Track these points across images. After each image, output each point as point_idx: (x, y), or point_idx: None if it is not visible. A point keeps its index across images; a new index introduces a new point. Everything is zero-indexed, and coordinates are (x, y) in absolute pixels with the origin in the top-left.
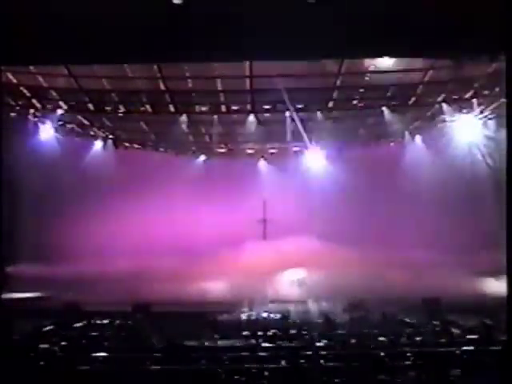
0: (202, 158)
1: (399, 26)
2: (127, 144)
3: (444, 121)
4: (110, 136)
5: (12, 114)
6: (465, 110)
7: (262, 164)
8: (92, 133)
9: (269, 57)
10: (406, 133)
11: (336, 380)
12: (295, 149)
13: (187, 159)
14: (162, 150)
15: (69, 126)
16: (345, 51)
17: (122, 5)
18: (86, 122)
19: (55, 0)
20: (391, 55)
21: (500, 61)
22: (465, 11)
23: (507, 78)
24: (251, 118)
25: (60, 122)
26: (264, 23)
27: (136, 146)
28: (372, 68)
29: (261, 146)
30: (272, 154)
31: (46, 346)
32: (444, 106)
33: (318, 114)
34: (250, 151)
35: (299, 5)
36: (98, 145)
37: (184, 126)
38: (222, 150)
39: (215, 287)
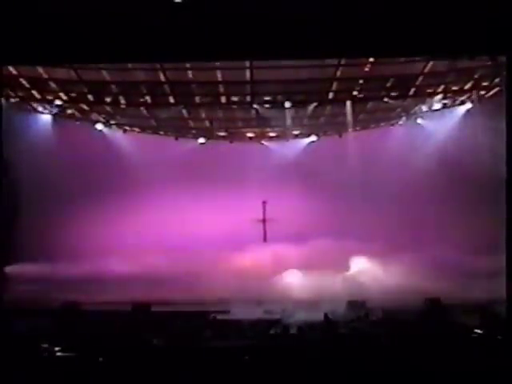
0: (201, 140)
1: (399, 26)
2: (127, 128)
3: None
4: (111, 121)
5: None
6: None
7: (261, 148)
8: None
9: (269, 57)
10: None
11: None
12: (295, 132)
13: (187, 143)
14: (161, 133)
15: (69, 111)
16: (345, 51)
17: (122, 4)
18: (85, 107)
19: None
20: (391, 55)
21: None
22: (465, 11)
23: (507, 78)
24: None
25: (59, 108)
26: (264, 23)
27: (136, 129)
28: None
29: (261, 129)
30: (272, 137)
31: (45, 345)
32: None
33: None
34: (250, 135)
35: (299, 4)
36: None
37: (184, 111)
38: (222, 134)
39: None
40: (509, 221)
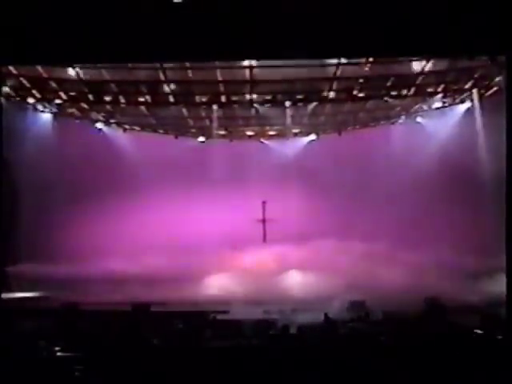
0: (201, 139)
1: (399, 26)
2: (127, 126)
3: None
4: (111, 120)
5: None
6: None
7: (261, 146)
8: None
9: (269, 57)
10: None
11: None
12: (295, 131)
13: (186, 142)
14: (161, 132)
15: (69, 110)
16: (345, 51)
17: (122, 4)
18: (85, 106)
19: (56, 0)
20: (391, 55)
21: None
22: (465, 11)
23: (507, 78)
24: None
25: (59, 107)
26: (264, 23)
27: (136, 128)
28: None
29: (261, 128)
30: (272, 136)
31: (45, 345)
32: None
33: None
34: (249, 133)
35: (299, 4)
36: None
37: (184, 110)
38: (222, 132)
39: (219, 286)
40: (509, 221)
